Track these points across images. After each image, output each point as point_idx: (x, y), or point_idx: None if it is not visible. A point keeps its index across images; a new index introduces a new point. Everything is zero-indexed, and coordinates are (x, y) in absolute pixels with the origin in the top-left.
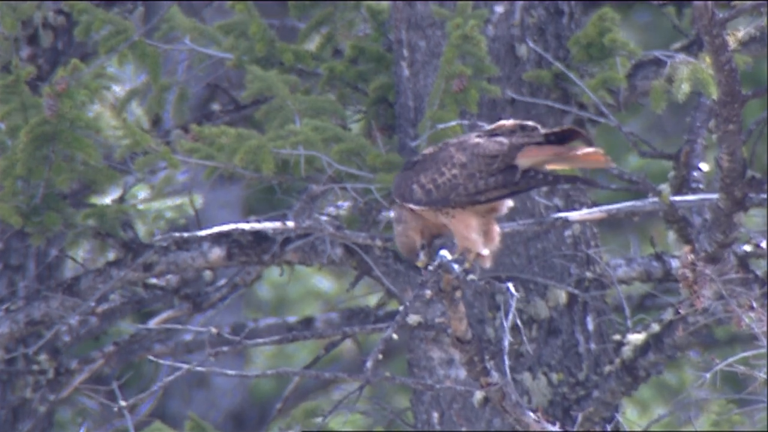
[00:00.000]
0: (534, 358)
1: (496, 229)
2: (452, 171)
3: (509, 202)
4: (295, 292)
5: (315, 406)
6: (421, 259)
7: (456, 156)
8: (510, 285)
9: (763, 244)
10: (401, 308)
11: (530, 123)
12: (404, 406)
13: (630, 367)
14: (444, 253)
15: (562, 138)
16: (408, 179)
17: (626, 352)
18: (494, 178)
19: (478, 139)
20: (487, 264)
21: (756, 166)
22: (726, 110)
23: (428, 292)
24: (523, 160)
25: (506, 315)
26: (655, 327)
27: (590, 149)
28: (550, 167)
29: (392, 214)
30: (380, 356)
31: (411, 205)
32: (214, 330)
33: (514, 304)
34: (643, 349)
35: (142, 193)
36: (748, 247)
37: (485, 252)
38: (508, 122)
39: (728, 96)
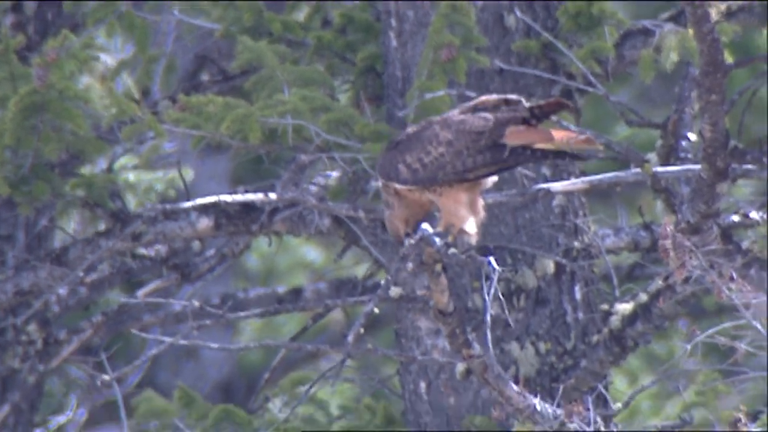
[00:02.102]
0: (522, 327)
1: (481, 201)
2: (439, 149)
3: (494, 177)
4: (284, 262)
5: (303, 376)
6: (406, 246)
7: (441, 134)
8: (491, 259)
9: (752, 215)
10: (383, 281)
11: (514, 97)
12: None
13: (618, 336)
14: (425, 226)
15: (548, 111)
16: (393, 159)
17: (614, 321)
18: (482, 156)
19: (462, 116)
20: (474, 240)
21: (744, 137)
22: (708, 80)
23: (410, 266)
24: (512, 141)
25: (489, 288)
26: (643, 297)
27: (581, 137)
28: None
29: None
30: (362, 330)
31: (397, 185)
32: (196, 303)
33: (496, 278)
34: (631, 319)
35: (131, 164)
36: (736, 218)
37: (472, 228)
38: (492, 97)
39: (710, 66)
